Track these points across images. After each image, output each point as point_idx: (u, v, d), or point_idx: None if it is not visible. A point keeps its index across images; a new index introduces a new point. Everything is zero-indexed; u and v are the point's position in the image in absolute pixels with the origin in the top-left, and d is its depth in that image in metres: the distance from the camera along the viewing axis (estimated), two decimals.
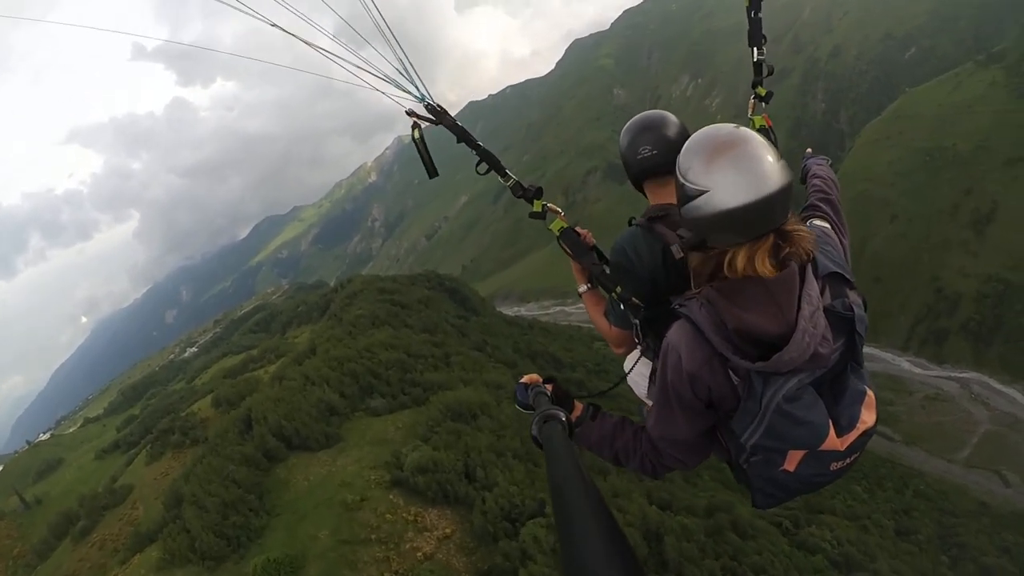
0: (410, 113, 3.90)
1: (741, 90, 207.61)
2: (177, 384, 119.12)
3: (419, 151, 4.27)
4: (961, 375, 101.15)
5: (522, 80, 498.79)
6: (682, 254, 2.62)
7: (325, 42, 3.48)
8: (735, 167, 2.26)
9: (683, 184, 2.43)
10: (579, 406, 3.14)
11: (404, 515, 36.79)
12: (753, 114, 3.97)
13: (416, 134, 4.10)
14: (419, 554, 34.03)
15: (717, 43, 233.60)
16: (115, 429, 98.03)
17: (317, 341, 69.27)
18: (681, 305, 2.51)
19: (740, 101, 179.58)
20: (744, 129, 2.45)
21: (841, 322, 2.44)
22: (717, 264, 2.44)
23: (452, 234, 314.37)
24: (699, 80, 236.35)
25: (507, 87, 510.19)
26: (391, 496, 38.36)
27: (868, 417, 2.47)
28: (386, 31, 3.45)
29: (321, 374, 55.64)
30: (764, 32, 3.90)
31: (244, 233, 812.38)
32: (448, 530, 36.12)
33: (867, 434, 2.49)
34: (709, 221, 2.33)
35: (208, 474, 43.57)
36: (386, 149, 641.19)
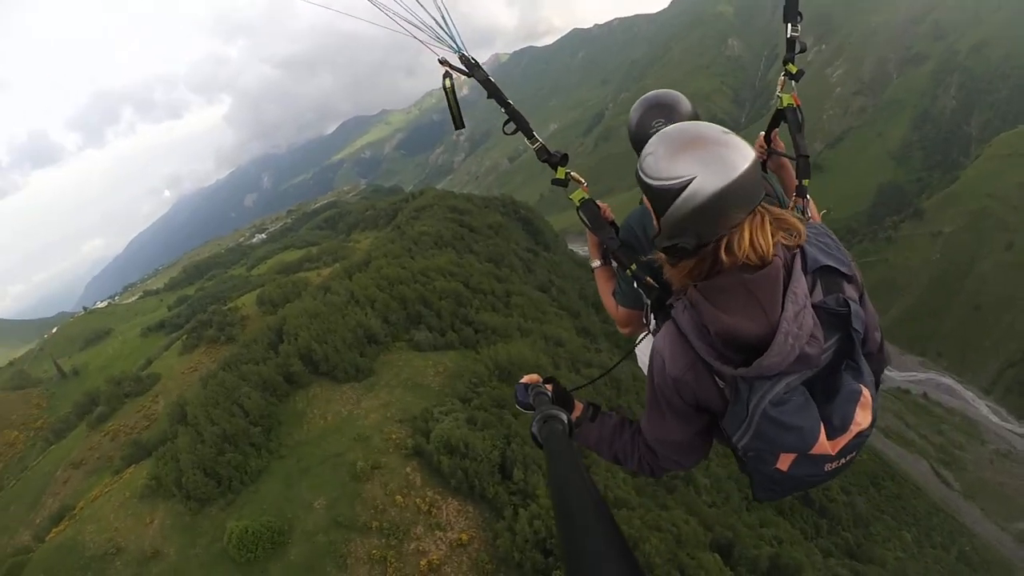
0: (443, 62, 3.52)
1: (867, 64, 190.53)
2: (237, 269, 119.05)
3: (448, 100, 3.77)
4: None
5: (632, 14, 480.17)
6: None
7: None
8: (705, 148, 2.11)
9: (658, 187, 2.19)
10: (579, 406, 3.02)
11: (417, 500, 30.78)
12: (782, 91, 3.62)
13: (447, 83, 3.67)
14: (423, 562, 27.90)
15: (851, 9, 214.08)
16: (167, 307, 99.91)
17: (373, 254, 63.78)
18: (671, 305, 2.41)
19: (865, 76, 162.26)
20: (698, 122, 2.30)
21: (835, 319, 2.28)
22: (714, 258, 2.24)
23: (535, 160, 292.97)
24: (823, 46, 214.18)
25: (615, 19, 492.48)
26: (407, 470, 32.37)
27: (862, 418, 2.27)
28: None
29: (368, 293, 50.06)
30: (800, 10, 3.59)
31: (331, 129, 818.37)
32: (465, 536, 29.95)
33: (861, 435, 2.30)
34: (711, 205, 2.11)
35: (217, 395, 38.55)
36: (483, 64, 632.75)
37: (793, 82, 3.67)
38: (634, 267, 3.25)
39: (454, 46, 3.52)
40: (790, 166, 3.77)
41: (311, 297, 54.19)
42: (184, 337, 64.14)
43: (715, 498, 45.81)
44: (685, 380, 2.34)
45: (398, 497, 30.77)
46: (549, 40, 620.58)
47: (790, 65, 3.69)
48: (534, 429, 2.21)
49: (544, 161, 3.71)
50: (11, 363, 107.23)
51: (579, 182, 3.64)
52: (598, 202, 3.62)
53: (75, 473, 47.69)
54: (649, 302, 3.19)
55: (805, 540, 49.80)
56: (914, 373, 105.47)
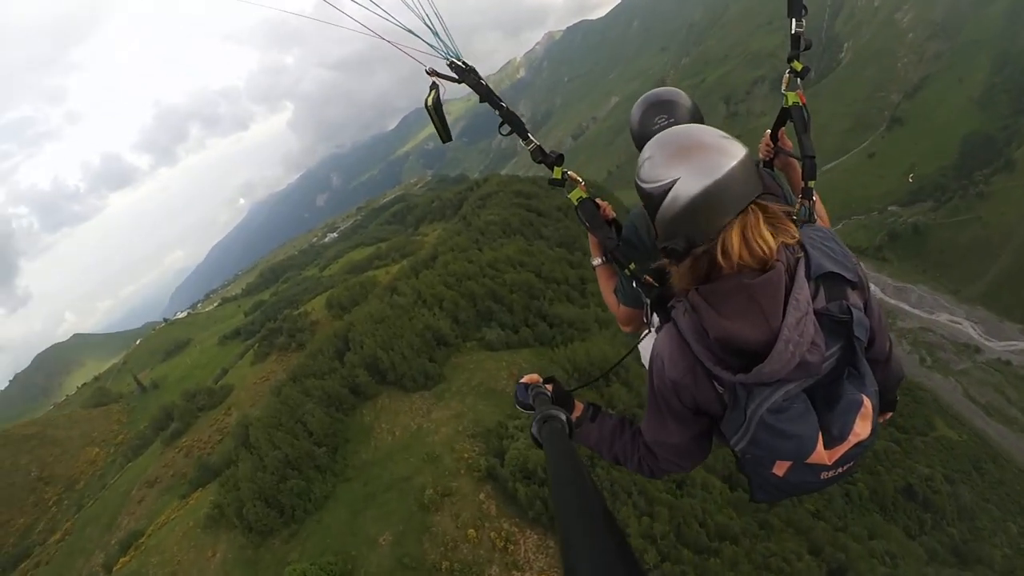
0: (431, 72, 3.44)
1: (939, 5, 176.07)
2: (310, 270, 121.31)
3: (431, 116, 3.64)
4: None
5: None
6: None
7: None
8: (691, 150, 2.13)
9: (648, 189, 2.22)
10: (579, 406, 2.98)
11: (492, 535, 27.69)
12: (787, 89, 3.60)
13: (430, 102, 3.53)
14: None
15: None
16: (244, 313, 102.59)
17: (440, 249, 61.31)
18: (672, 307, 2.39)
19: (937, 19, 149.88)
20: (698, 127, 2.24)
21: (837, 326, 2.27)
22: (711, 259, 2.21)
23: (600, 136, 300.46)
24: None
25: None
26: (481, 497, 29.29)
27: (862, 429, 2.27)
28: None
29: (435, 292, 47.46)
30: (805, 3, 3.54)
31: (392, 125, 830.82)
32: None
33: (860, 446, 2.30)
34: (694, 206, 2.12)
35: (280, 414, 36.55)
36: (536, 45, 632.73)
37: (799, 80, 3.59)
38: (632, 266, 3.25)
39: (444, 53, 3.42)
40: (798, 165, 3.38)
41: (378, 299, 52.40)
42: (256, 346, 64.78)
43: (817, 504, 43.38)
44: (684, 384, 2.32)
45: (470, 531, 27.90)
46: (602, 12, 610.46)
47: (795, 63, 3.58)
48: (534, 430, 2.22)
49: (539, 162, 3.68)
50: (96, 378, 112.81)
51: (576, 181, 3.66)
52: (597, 200, 3.64)
53: (150, 492, 47.55)
54: (649, 301, 3.15)
55: (909, 538, 48.44)
56: (1015, 342, 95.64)
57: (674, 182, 2.09)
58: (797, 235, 2.22)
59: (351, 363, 40.41)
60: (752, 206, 2.11)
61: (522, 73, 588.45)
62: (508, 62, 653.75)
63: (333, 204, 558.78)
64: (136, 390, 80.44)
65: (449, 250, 59.36)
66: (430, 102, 3.49)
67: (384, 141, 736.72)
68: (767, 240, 2.11)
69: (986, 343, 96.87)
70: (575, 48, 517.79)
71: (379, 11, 3.09)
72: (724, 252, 2.12)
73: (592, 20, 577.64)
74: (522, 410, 2.85)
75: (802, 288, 2.14)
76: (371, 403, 38.37)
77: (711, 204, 2.07)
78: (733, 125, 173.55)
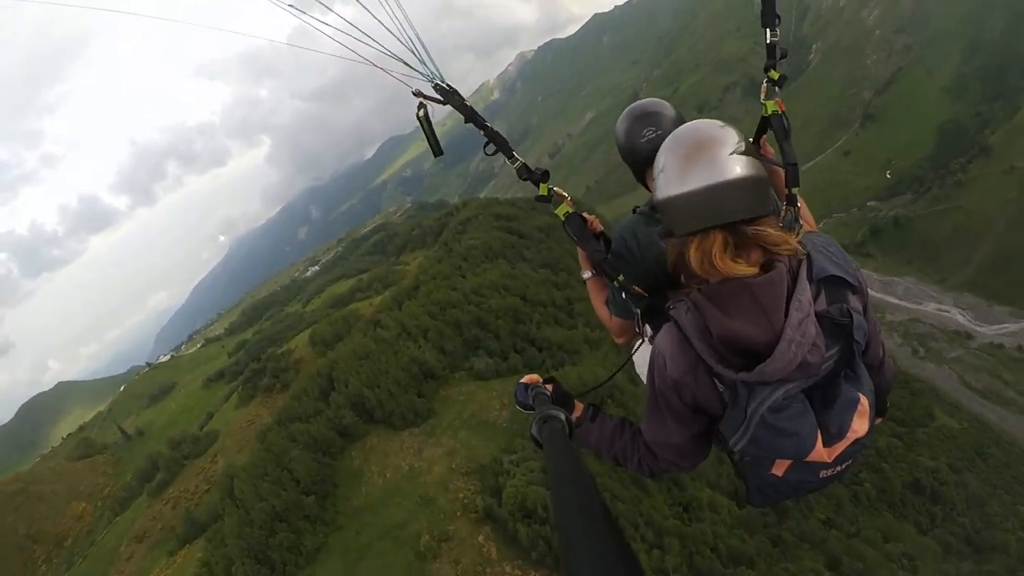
0: (417, 94, 3.56)
1: (904, 1, 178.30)
2: (293, 306, 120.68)
3: (424, 127, 3.79)
4: None
5: None
6: None
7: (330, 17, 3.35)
8: (686, 154, 2.24)
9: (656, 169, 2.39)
10: (579, 406, 3.03)
11: None
12: (766, 98, 3.48)
13: (421, 113, 3.68)
14: None
15: None
16: (227, 354, 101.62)
17: (421, 278, 60.28)
18: (672, 307, 2.43)
19: (903, 14, 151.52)
20: (715, 124, 2.31)
21: (837, 329, 2.31)
22: (679, 255, 2.37)
23: (576, 152, 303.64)
24: None
25: None
26: (480, 539, 27.95)
27: (860, 426, 2.30)
28: (394, 6, 3.25)
29: (419, 323, 46.42)
30: (779, 12, 3.51)
31: (370, 153, 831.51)
32: None
33: (858, 443, 2.34)
34: (661, 203, 2.32)
35: (266, 462, 35.19)
36: (508, 66, 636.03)
37: (777, 88, 3.47)
38: (621, 278, 3.29)
39: (428, 75, 3.49)
40: (781, 172, 3.24)
41: (361, 333, 51.15)
42: (240, 388, 63.88)
43: (827, 511, 42.97)
44: (685, 382, 2.35)
45: None
46: (572, 29, 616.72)
47: (772, 71, 3.46)
48: (534, 430, 2.23)
49: (525, 179, 3.67)
50: (81, 428, 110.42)
51: (562, 196, 3.69)
52: (584, 214, 3.68)
53: (138, 548, 46.12)
54: (639, 311, 3.24)
55: (921, 534, 48.32)
56: (1005, 325, 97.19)
57: (660, 173, 2.26)
58: (790, 249, 2.22)
59: (336, 403, 39.23)
60: (717, 231, 2.16)
61: (496, 95, 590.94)
62: (482, 84, 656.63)
63: (314, 236, 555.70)
64: (121, 439, 78.99)
65: (431, 278, 58.37)
66: (422, 113, 3.55)
67: (362, 170, 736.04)
68: (724, 265, 2.14)
69: (977, 329, 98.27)
70: (547, 67, 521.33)
71: (366, 38, 3.14)
72: (684, 261, 2.26)
73: (562, 38, 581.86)
74: (522, 410, 2.88)
75: (804, 290, 2.18)
76: (360, 444, 37.10)
77: (673, 210, 2.22)
78: None
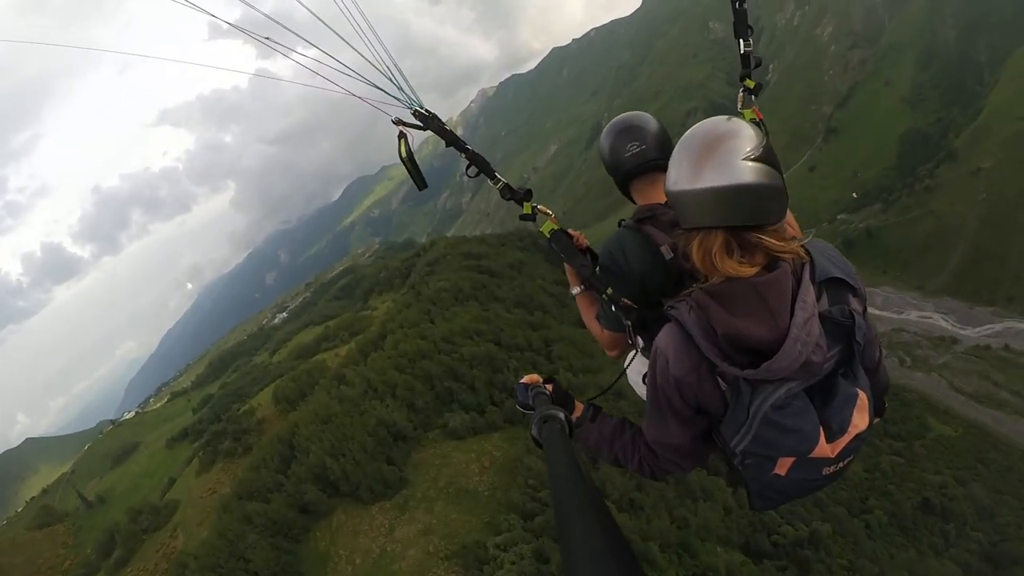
0: (397, 122, 3.59)
1: (856, 14, 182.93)
2: (260, 356, 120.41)
3: (407, 166, 3.78)
4: None
5: (607, 21, 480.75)
6: (672, 255, 2.87)
7: (309, 49, 3.47)
8: (699, 151, 2.23)
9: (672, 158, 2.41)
10: (579, 406, 3.01)
11: None
12: (743, 107, 3.73)
13: (403, 148, 3.67)
14: None
15: None
16: (192, 410, 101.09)
17: (389, 326, 56.89)
18: (672, 308, 2.42)
19: (857, 28, 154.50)
20: (736, 125, 2.27)
21: (838, 329, 2.32)
22: (685, 245, 2.38)
23: (543, 185, 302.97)
24: (806, 8, 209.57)
25: (591, 30, 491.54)
26: None
27: (860, 421, 2.33)
28: (371, 35, 3.33)
29: (387, 378, 42.97)
30: (750, 23, 3.75)
31: (337, 194, 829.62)
32: None
33: (859, 438, 2.35)
34: (670, 194, 2.34)
35: (219, 551, 31.36)
36: (471, 103, 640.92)
37: (753, 97, 3.72)
38: (609, 291, 3.28)
39: (406, 102, 3.53)
40: None
41: (324, 392, 47.61)
42: (201, 453, 61.84)
43: (847, 554, 40.84)
44: (688, 381, 2.34)
45: None
46: (532, 64, 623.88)
47: (748, 80, 3.72)
48: (533, 431, 2.24)
49: (508, 199, 3.77)
50: (44, 491, 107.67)
51: (546, 214, 3.73)
52: (569, 231, 3.71)
53: None
54: (630, 323, 3.23)
55: (937, 557, 47.54)
56: (989, 326, 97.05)
57: (676, 161, 2.26)
58: (790, 254, 2.23)
59: (297, 476, 35.56)
60: (719, 231, 2.18)
61: (459, 131, 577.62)
62: (446, 121, 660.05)
63: (283, 281, 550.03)
64: (81, 507, 75.85)
65: (399, 327, 55.07)
66: (403, 152, 3.56)
67: (329, 212, 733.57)
68: (724, 265, 2.17)
69: (961, 332, 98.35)
70: (509, 102, 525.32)
71: (343, 68, 3.19)
72: (686, 256, 2.30)
73: (523, 73, 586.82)
74: (522, 410, 2.85)
75: (808, 290, 2.18)
76: (325, 523, 33.38)
77: (677, 205, 2.26)
78: None
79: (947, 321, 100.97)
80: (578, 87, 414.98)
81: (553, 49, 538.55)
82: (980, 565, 47.39)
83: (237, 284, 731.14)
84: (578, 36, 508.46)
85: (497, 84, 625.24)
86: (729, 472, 2.50)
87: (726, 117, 2.29)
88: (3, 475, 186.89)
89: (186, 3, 3.18)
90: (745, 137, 2.16)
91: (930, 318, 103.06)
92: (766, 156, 2.16)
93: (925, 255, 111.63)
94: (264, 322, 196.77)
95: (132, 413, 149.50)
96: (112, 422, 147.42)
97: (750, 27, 3.64)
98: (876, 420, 2.58)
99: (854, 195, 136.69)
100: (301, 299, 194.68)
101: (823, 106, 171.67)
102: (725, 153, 2.13)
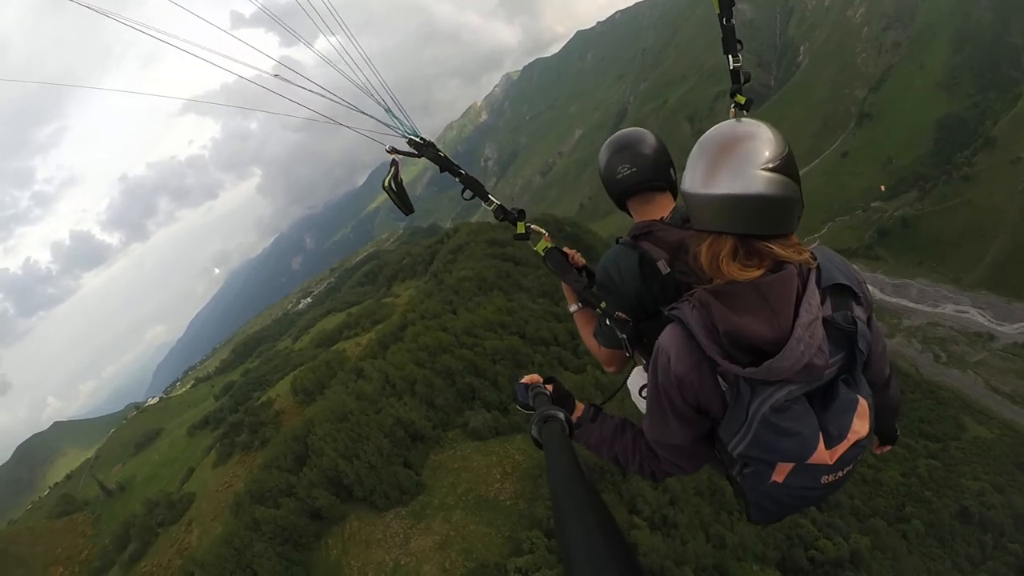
0: (391, 151, 3.66)
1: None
2: (283, 341, 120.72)
3: (390, 195, 3.79)
4: None
5: (632, 3, 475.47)
6: (668, 270, 2.89)
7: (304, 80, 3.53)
8: (715, 155, 2.22)
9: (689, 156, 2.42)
10: (580, 406, 3.01)
11: None
12: None
13: (388, 179, 3.70)
14: None
15: None
16: (214, 396, 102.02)
17: (410, 316, 55.13)
18: (674, 308, 2.42)
19: (888, 11, 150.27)
20: (756, 128, 2.25)
21: (841, 335, 2.32)
22: (696, 246, 2.38)
23: (568, 170, 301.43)
24: None
25: (616, 12, 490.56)
26: None
27: (860, 427, 2.31)
28: (369, 72, 3.48)
29: (405, 373, 41.24)
30: (739, 38, 3.76)
31: (362, 180, 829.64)
32: None
33: (859, 445, 2.34)
34: (684, 193, 2.34)
35: (224, 560, 29.95)
36: (495, 87, 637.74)
37: (745, 112, 3.70)
38: (603, 305, 3.32)
39: (402, 131, 3.61)
40: None
41: (342, 386, 46.02)
42: (218, 445, 61.36)
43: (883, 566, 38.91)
44: (689, 380, 2.32)
45: None
46: (556, 48, 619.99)
47: (738, 96, 3.72)
48: (533, 431, 2.22)
49: (502, 220, 3.80)
50: (68, 476, 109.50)
51: (540, 233, 3.78)
52: (565, 249, 3.77)
53: None
54: (625, 337, 3.24)
55: (973, 569, 46.54)
56: None
57: (692, 161, 2.23)
58: (796, 260, 2.23)
59: (309, 479, 33.88)
60: (729, 237, 2.18)
61: (484, 116, 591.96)
62: (469, 107, 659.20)
63: (309, 266, 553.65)
64: (102, 495, 77.09)
65: (420, 317, 53.28)
66: (386, 183, 3.57)
67: (355, 197, 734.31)
68: (729, 270, 2.18)
69: (998, 328, 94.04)
70: (533, 86, 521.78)
71: (338, 99, 3.29)
72: (695, 258, 2.30)
73: (547, 57, 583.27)
74: (522, 410, 2.84)
75: (814, 293, 2.19)
76: (337, 529, 31.71)
77: (690, 206, 2.24)
78: None
79: (984, 316, 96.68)
80: (603, 71, 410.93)
81: (577, 32, 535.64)
82: None
83: (263, 269, 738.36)
84: (602, 19, 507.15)
85: (521, 68, 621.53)
86: (732, 485, 2.47)
87: (749, 123, 2.20)
88: (31, 458, 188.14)
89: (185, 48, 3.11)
90: (764, 141, 2.12)
91: (966, 312, 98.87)
92: (784, 167, 2.11)
93: (962, 246, 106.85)
94: (289, 307, 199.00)
95: (156, 399, 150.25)
96: (137, 407, 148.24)
97: (739, 42, 3.62)
98: (887, 448, 2.70)
99: (882, 188, 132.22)
100: (325, 284, 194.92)
101: (855, 90, 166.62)
102: (741, 159, 2.09)
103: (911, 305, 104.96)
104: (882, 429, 2.69)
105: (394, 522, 30.97)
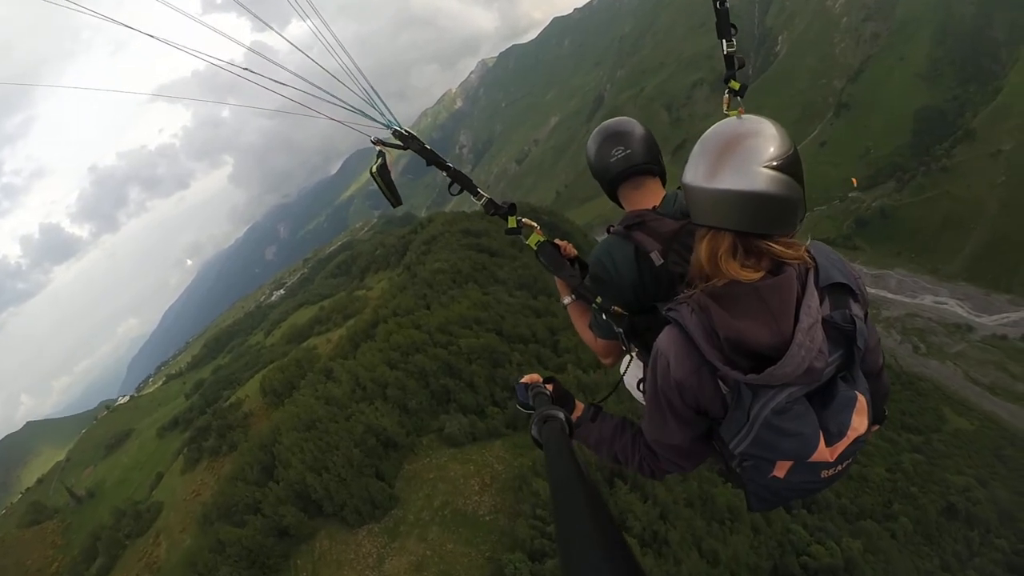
0: (377, 142, 3.61)
1: None
2: (256, 336, 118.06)
3: (378, 182, 3.74)
4: None
5: None
6: (662, 261, 2.92)
7: (285, 73, 3.48)
8: (719, 150, 2.21)
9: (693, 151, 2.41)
10: (580, 406, 3.06)
11: None
12: (729, 109, 3.77)
13: (375, 166, 3.67)
14: None
15: None
16: (184, 395, 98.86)
17: (382, 312, 53.16)
18: (671, 309, 2.42)
19: (868, 1, 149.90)
20: (760, 125, 2.23)
21: (839, 334, 2.33)
22: (697, 242, 2.39)
23: (544, 158, 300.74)
24: None
25: None
26: None
27: (859, 424, 2.33)
28: (349, 61, 3.41)
29: (376, 376, 39.38)
30: (732, 23, 3.77)
31: (335, 168, 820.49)
32: None
33: (858, 441, 2.37)
34: (685, 186, 2.32)
35: None
36: (471, 74, 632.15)
37: (739, 98, 3.70)
38: (599, 299, 3.29)
39: (386, 123, 3.57)
40: None
41: (311, 389, 44.06)
42: (186, 450, 59.92)
43: (878, 571, 38.38)
44: (688, 383, 2.35)
45: None
46: (532, 34, 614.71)
47: (732, 82, 3.71)
48: (533, 431, 2.22)
49: (492, 214, 3.74)
50: (39, 481, 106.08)
51: (532, 226, 3.73)
52: (556, 241, 3.71)
53: None
54: (621, 330, 3.23)
55: (961, 566, 46.48)
56: (1005, 314, 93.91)
57: (695, 155, 2.22)
58: (795, 259, 2.24)
59: (276, 495, 31.93)
60: (729, 234, 2.18)
61: (459, 103, 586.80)
62: (444, 94, 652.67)
63: (283, 256, 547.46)
64: (71, 503, 74.13)
65: (392, 314, 51.20)
66: (375, 169, 3.54)
67: (329, 186, 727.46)
68: (728, 268, 2.17)
69: (977, 320, 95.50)
70: (509, 73, 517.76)
71: (324, 94, 3.24)
72: (695, 255, 2.30)
73: (523, 44, 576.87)
74: (522, 410, 2.85)
75: (813, 295, 2.19)
76: (307, 548, 29.71)
77: (692, 197, 2.22)
78: (677, 131, 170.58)
79: (962, 307, 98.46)
80: (580, 58, 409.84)
81: (554, 18, 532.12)
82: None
83: (237, 259, 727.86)
84: (580, 5, 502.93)
85: (497, 55, 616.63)
86: (730, 475, 2.49)
87: (755, 120, 2.19)
88: (6, 460, 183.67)
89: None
90: (767, 138, 2.11)
91: (945, 304, 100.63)
92: (788, 166, 2.10)
93: (941, 238, 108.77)
94: (262, 299, 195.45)
95: (127, 398, 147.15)
96: (108, 406, 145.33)
97: (734, 26, 3.57)
98: (876, 428, 2.64)
99: (854, 181, 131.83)
100: (299, 275, 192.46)
101: (834, 80, 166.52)
102: (745, 155, 2.08)
103: (890, 296, 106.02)
104: (873, 411, 2.48)
105: (367, 540, 29.12)
